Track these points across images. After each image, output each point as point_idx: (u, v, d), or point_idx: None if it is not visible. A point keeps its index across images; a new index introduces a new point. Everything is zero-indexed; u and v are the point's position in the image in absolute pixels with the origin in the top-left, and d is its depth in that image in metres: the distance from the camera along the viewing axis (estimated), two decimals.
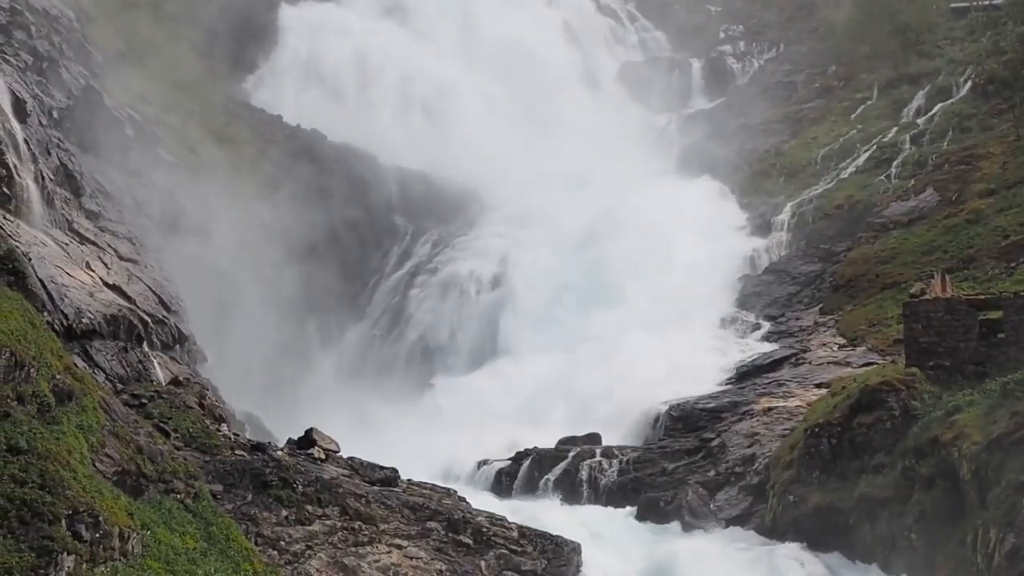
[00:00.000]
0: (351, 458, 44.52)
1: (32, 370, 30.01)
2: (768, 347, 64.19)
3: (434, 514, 40.94)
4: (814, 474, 45.62)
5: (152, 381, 46.51)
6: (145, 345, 49.22)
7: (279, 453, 41.80)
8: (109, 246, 54.27)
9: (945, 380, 43.79)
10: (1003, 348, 43.03)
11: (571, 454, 55.38)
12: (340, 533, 38.00)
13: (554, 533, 43.35)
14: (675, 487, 50.87)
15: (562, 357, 68.76)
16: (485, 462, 57.22)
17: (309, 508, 38.12)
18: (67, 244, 50.36)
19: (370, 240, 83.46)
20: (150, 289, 53.84)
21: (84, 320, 44.96)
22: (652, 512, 49.57)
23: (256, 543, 35.25)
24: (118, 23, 78.82)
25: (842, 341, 61.76)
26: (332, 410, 63.80)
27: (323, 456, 43.54)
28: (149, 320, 50.62)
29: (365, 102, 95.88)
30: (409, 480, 44.29)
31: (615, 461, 54.41)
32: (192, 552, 31.29)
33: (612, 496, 52.60)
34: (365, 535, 38.48)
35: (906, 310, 45.83)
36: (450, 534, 40.36)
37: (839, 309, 65.90)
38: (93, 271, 49.99)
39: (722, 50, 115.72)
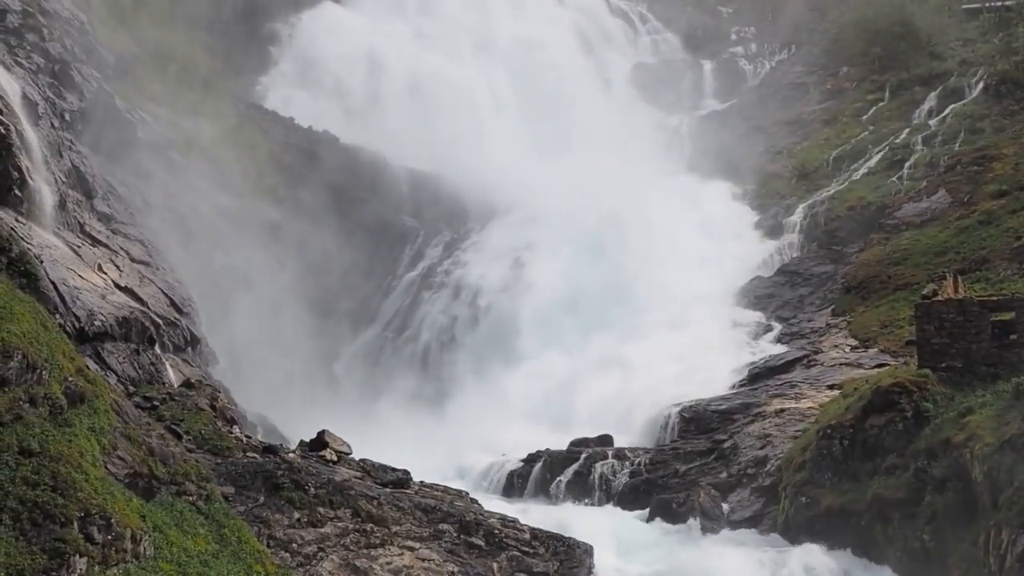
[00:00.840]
0: (363, 460, 44.57)
1: (44, 372, 30.05)
2: (780, 349, 64.17)
3: (446, 516, 40.96)
4: (826, 476, 45.61)
5: (164, 383, 46.59)
6: (157, 347, 49.30)
7: (291, 455, 41.85)
8: (121, 248, 54.34)
9: (957, 381, 43.74)
10: (1015, 349, 42.99)
11: (583, 456, 55.40)
12: (352, 535, 38.03)
13: (566, 535, 43.36)
14: (687, 489, 50.87)
15: (574, 359, 68.77)
16: (497, 464, 57.24)
17: (321, 510, 38.15)
18: (79, 246, 50.43)
19: (382, 242, 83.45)
20: (162, 291, 53.89)
21: (96, 322, 45.03)
22: (664, 514, 49.57)
23: (268, 545, 35.29)
24: (130, 25, 78.86)
25: (854, 342, 61.69)
26: (344, 412, 63.91)
27: (335, 458, 43.59)
28: (161, 322, 50.69)
29: (376, 104, 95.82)
30: (421, 482, 44.33)
31: (627, 463, 54.43)
32: (204, 554, 31.31)
33: (624, 498, 52.62)
34: (377, 537, 38.51)
35: (918, 311, 45.74)
36: (462, 536, 40.37)
37: (851, 310, 65.81)
38: (105, 273, 50.07)
39: (734, 51, 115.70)
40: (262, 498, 37.62)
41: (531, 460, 56.35)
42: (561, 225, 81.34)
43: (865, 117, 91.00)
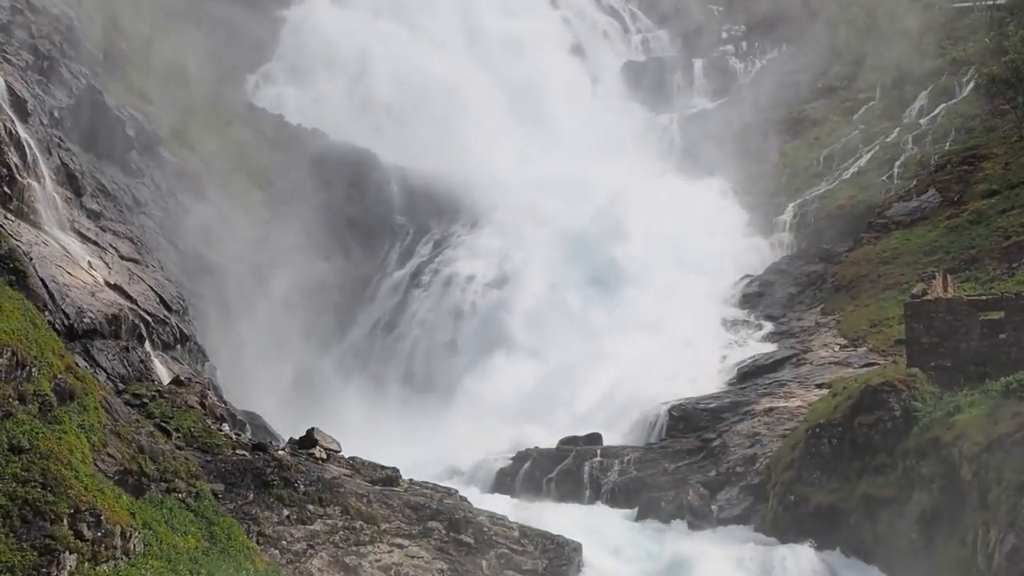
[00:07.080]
0: (352, 458, 44.56)
1: (34, 369, 30.04)
2: (769, 347, 64.20)
3: (435, 514, 40.97)
4: (815, 474, 45.62)
5: (153, 381, 46.57)
6: (147, 344, 49.27)
7: (280, 453, 41.85)
8: (110, 246, 54.31)
9: (946, 380, 43.75)
10: (1004, 348, 42.98)
11: (572, 454, 55.38)
12: (341, 532, 38.03)
13: (555, 533, 43.36)
14: (676, 487, 50.86)
15: (563, 357, 68.72)
16: (486, 462, 57.18)
17: (310, 507, 38.17)
18: (68, 244, 50.38)
19: (372, 239, 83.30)
20: (151, 288, 53.86)
21: (85, 319, 45.00)
22: (653, 512, 49.58)
23: (258, 542, 35.29)
24: (119, 22, 78.72)
25: (843, 341, 61.68)
26: (334, 409, 63.82)
27: (324, 456, 43.58)
28: (150, 319, 50.68)
29: (366, 102, 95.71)
30: (410, 480, 44.34)
31: (616, 461, 54.39)
32: (194, 551, 31.33)
33: (613, 496, 52.60)
34: (366, 534, 38.51)
35: (908, 310, 45.75)
36: (451, 534, 40.39)
37: (840, 309, 65.81)
38: (94, 271, 50.03)
39: (724, 50, 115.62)
40: (252, 495, 37.63)
41: (520, 458, 56.33)
42: (551, 222, 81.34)
43: (856, 116, 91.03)
